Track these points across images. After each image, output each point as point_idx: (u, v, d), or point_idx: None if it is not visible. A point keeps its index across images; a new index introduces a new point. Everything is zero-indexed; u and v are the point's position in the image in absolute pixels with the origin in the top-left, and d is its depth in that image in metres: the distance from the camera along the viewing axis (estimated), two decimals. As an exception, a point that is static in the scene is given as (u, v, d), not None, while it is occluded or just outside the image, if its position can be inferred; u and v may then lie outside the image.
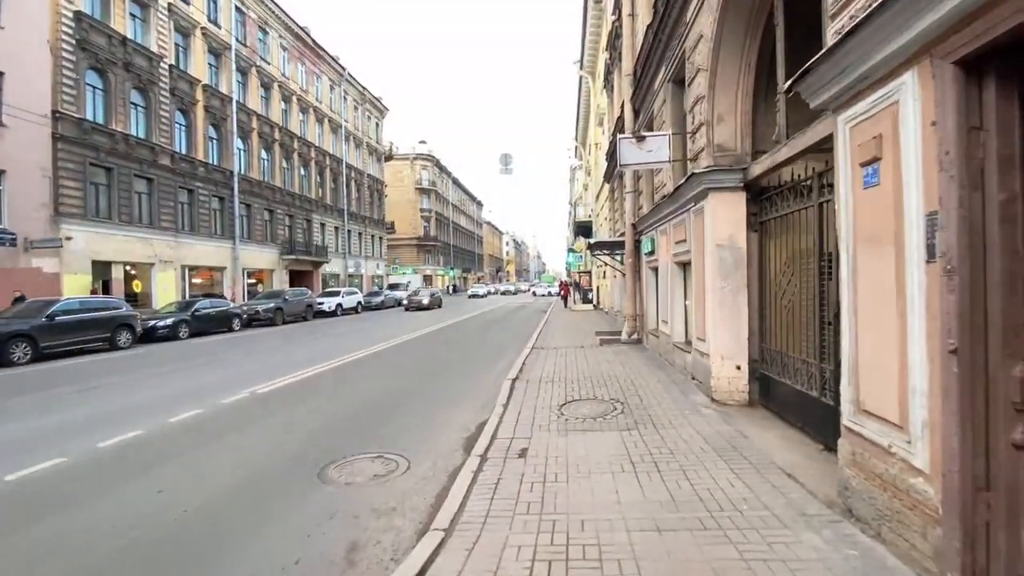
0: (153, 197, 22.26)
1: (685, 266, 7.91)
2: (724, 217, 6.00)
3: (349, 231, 41.58)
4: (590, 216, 27.24)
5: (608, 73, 17.10)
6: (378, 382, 8.57)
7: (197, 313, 17.93)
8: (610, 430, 5.34)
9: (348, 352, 12.02)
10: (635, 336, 11.28)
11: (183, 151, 24.13)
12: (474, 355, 11.54)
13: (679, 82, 7.99)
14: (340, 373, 9.55)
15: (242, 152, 28.71)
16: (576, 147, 37.96)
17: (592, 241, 12.03)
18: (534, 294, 58.83)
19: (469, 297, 50.79)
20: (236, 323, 19.78)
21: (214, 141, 26.48)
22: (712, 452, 4.58)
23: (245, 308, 21.51)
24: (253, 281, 29.70)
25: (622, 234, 12.81)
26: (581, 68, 24.47)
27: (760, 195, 5.87)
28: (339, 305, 28.22)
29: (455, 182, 79.06)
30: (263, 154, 30.65)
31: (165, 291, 22.48)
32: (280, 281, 31.37)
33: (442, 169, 71.29)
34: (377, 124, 48.42)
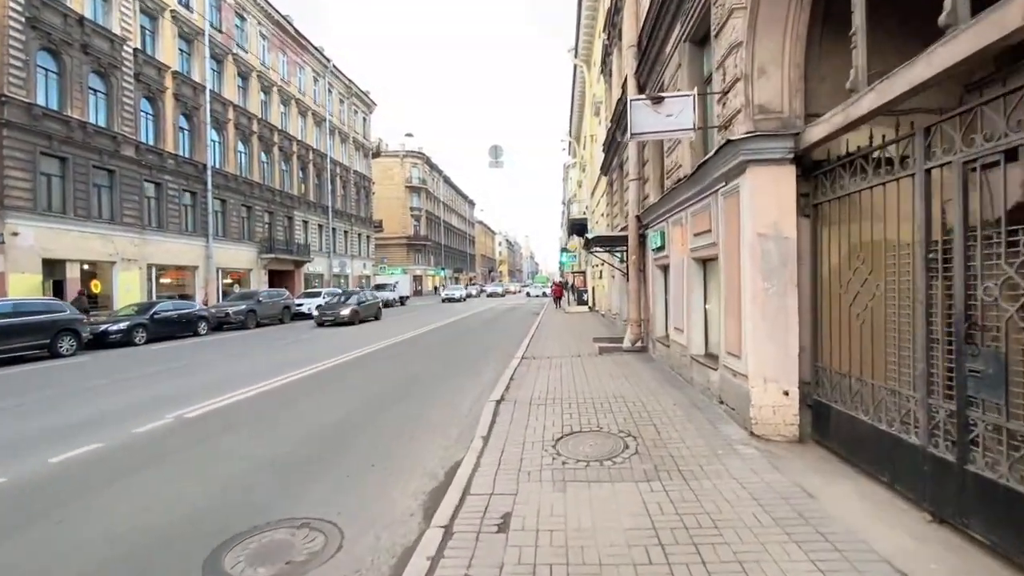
0: (115, 190, 20.61)
1: (706, 263, 6.56)
2: (768, 198, 4.64)
3: (334, 229, 39.98)
4: (585, 213, 25.90)
5: (606, 56, 15.75)
6: (335, 403, 7.13)
7: (157, 316, 16.36)
8: (624, 480, 3.96)
9: (314, 361, 10.57)
10: (639, 344, 9.93)
11: (150, 142, 22.50)
12: (456, 365, 10.12)
13: (698, 41, 6.64)
14: (294, 390, 8.10)
15: (217, 144, 27.08)
16: (570, 143, 36.64)
17: (589, 236, 10.66)
18: (528, 295, 56.67)
19: (443, 301, 41.31)
20: (203, 327, 18.21)
21: (185, 132, 24.84)
22: (773, 525, 3.20)
23: (214, 310, 19.92)
24: (229, 281, 28.09)
25: (623, 229, 11.46)
26: (576, 56, 23.13)
27: (813, 170, 4.52)
28: (320, 307, 26.59)
29: (446, 180, 77.56)
30: (240, 147, 29.03)
31: (128, 292, 20.85)
32: (258, 281, 29.76)
33: (433, 167, 69.75)
34: (364, 119, 46.85)
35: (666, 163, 7.81)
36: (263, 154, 31.21)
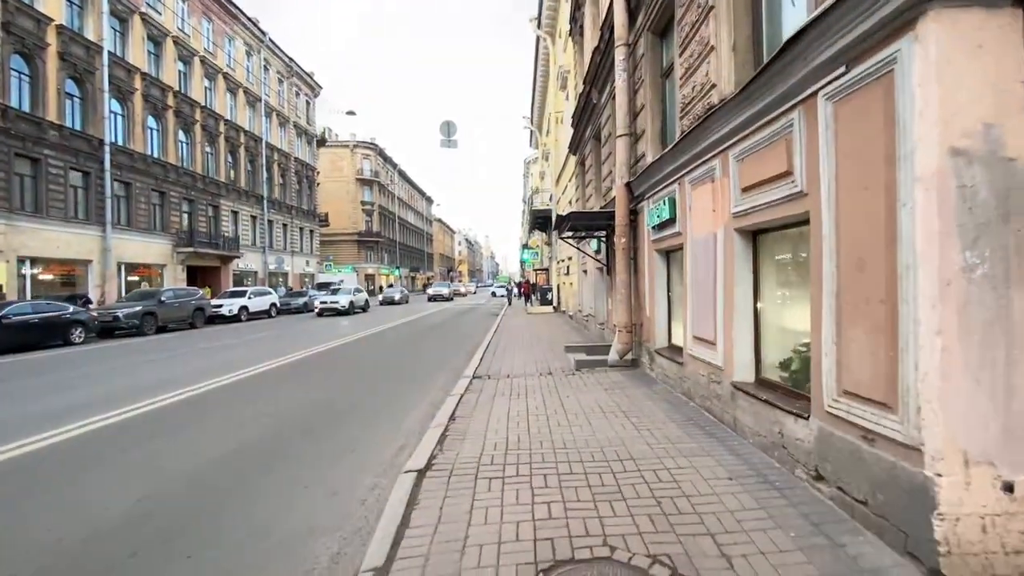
0: (-31, 164, 16.50)
1: (764, 235, 4.11)
2: (970, 78, 2.19)
3: (270, 221, 35.99)
4: (549, 204, 23.50)
5: (576, 11, 13.30)
6: (124, 500, 4.22)
7: (6, 321, 12.66)
8: None
9: (176, 387, 7.51)
10: (629, 357, 7.44)
11: (24, 107, 18.38)
12: (376, 392, 7.32)
13: None
14: (91, 447, 5.11)
15: (119, 118, 22.98)
16: (532, 132, 34.23)
17: (561, 214, 8.09)
18: (494, 294, 52.59)
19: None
20: (77, 334, 14.54)
21: (74, 99, 20.72)
22: None
23: (98, 313, 16.18)
24: (136, 278, 23.98)
25: (605, 206, 8.99)
26: (539, 26, 20.66)
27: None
28: (244, 308, 23.01)
29: (402, 175, 73.78)
30: (151, 123, 24.96)
31: (-11, 290, 16.76)
32: (174, 278, 25.74)
33: (387, 160, 65.95)
34: (308, 102, 42.87)
35: (681, 95, 5.32)
36: (181, 133, 27.15)
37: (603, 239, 9.70)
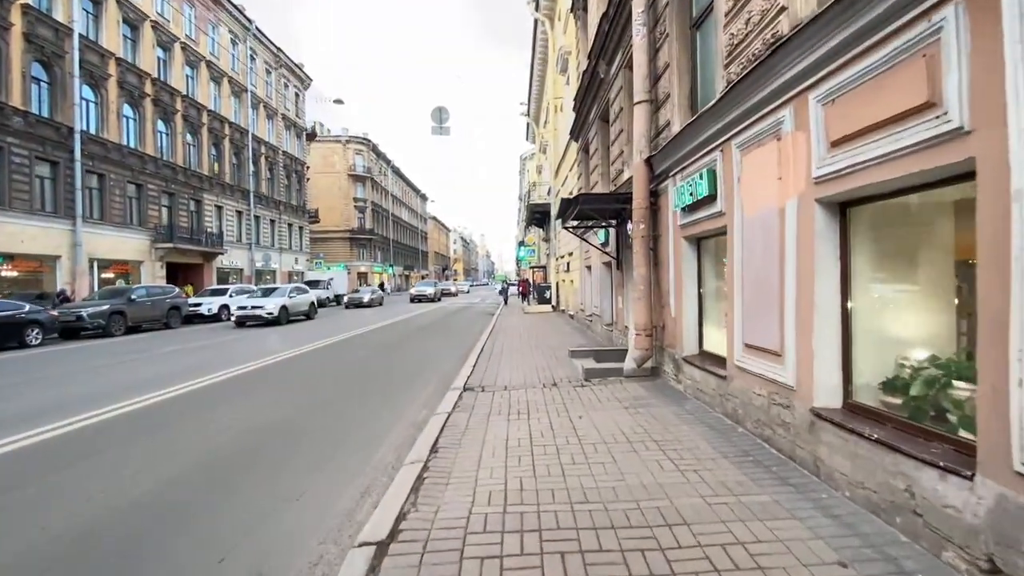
0: (-82, 150, 15.18)
1: (848, 208, 2.98)
2: None
3: (257, 217, 34.66)
4: (547, 198, 22.37)
5: (579, -18, 12.16)
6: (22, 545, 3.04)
7: (-53, 322, 11.41)
8: None
9: (143, 392, 6.32)
10: (648, 365, 6.31)
11: (-20, 90, 17.05)
12: (342, 413, 6.16)
13: None
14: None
15: (91, 105, 21.66)
16: (528, 124, 33.08)
17: (567, 197, 6.93)
18: (501, 291, 49.46)
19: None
20: (34, 335, 13.28)
21: (41, 84, 19.39)
22: None
23: (59, 313, 14.91)
24: (111, 275, 22.67)
25: (618, 188, 7.85)
26: (537, 8, 19.50)
27: None
28: (225, 308, 21.74)
29: (396, 171, 72.44)
30: (128, 111, 23.63)
31: (-58, 288, 15.45)
32: (152, 275, 24.44)
33: (380, 155, 64.63)
34: (297, 95, 41.52)
35: (726, 38, 4.19)
36: (161, 123, 25.82)
37: (613, 227, 8.56)
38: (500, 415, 4.97)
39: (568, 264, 16.67)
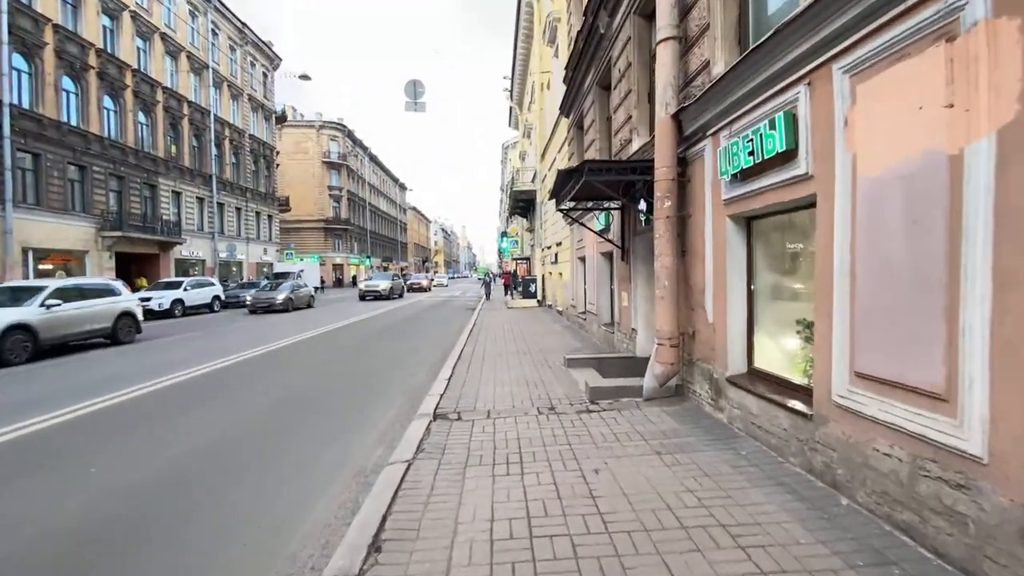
0: None
1: None
2: None
3: (221, 204, 32.40)
4: (532, 185, 20.88)
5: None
6: None
7: None
8: None
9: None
10: (674, 382, 4.90)
11: None
12: (261, 453, 4.62)
13: None
14: None
15: (23, 76, 19.30)
16: (511, 109, 31.43)
17: (566, 168, 5.47)
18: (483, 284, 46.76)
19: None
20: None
21: (-42, 48, 17.03)
22: None
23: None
24: (49, 267, 20.42)
25: (638, 151, 6.35)
26: (523, -24, 17.86)
27: None
28: (178, 302, 19.78)
29: (373, 159, 69.98)
30: (68, 85, 21.24)
31: None
32: (100, 267, 22.24)
33: (356, 142, 62.11)
34: (265, 74, 39.02)
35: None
36: (108, 99, 23.44)
37: (616, 210, 7.12)
38: (482, 465, 3.51)
39: (556, 255, 15.25)
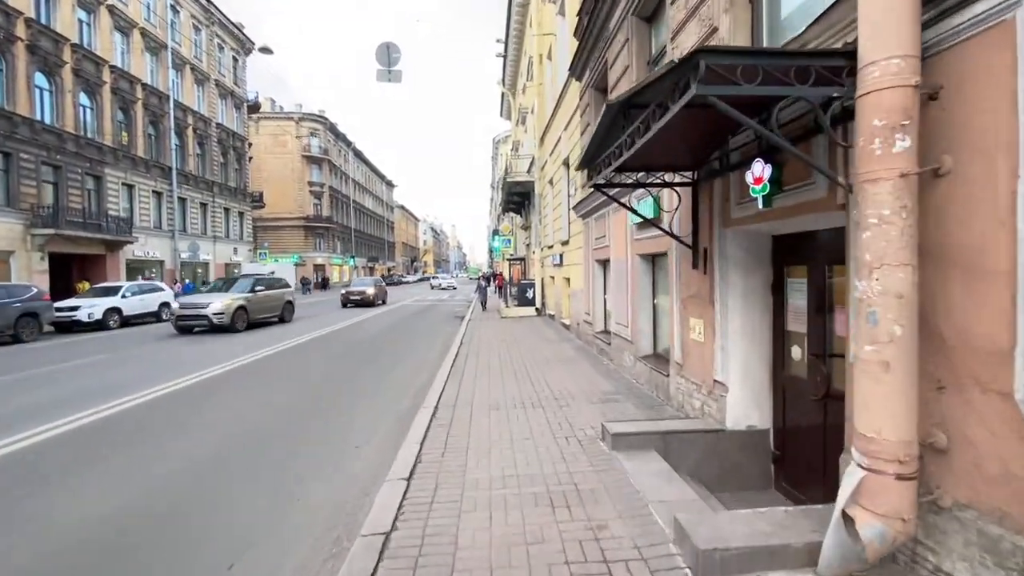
0: None
1: None
2: None
3: (183, 199, 29.35)
4: (529, 176, 18.18)
5: None
6: None
7: None
8: None
9: None
10: (889, 544, 2.23)
11: None
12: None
13: None
14: None
15: (-77, 42, 16.20)
16: (503, 94, 28.69)
17: (626, 94, 3.01)
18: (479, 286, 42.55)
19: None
20: None
21: None
22: None
23: None
24: (-37, 270, 17.34)
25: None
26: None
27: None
28: (114, 312, 16.80)
29: (358, 154, 66.80)
30: (-15, 57, 18.14)
31: None
32: (29, 269, 19.16)
33: (339, 136, 58.99)
34: (236, 59, 35.90)
35: None
36: (41, 77, 20.36)
37: (688, 186, 4.42)
38: None
39: (561, 256, 12.58)
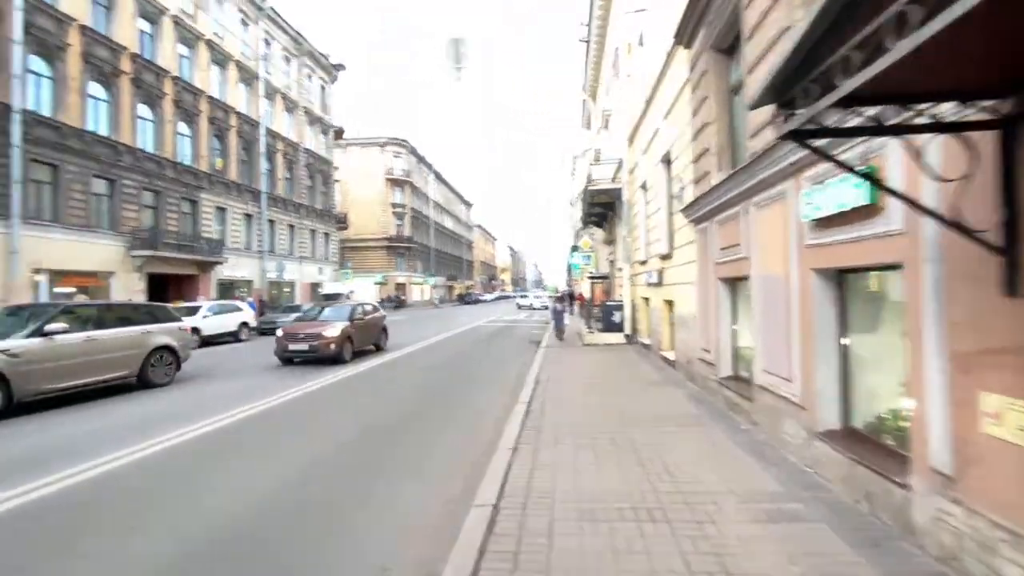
0: None
1: None
2: None
3: (271, 221, 30.32)
4: (615, 183, 16.01)
5: None
6: None
7: None
8: None
9: None
10: None
11: None
12: None
13: None
14: None
15: (41, 80, 17.48)
16: (584, 102, 26.85)
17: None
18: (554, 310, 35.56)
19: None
20: None
21: (-38, 47, 15.23)
22: None
23: None
24: (69, 289, 18.29)
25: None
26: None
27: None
28: (193, 332, 16.73)
29: (438, 177, 68.08)
30: (94, 90, 19.40)
31: None
32: (128, 289, 20.00)
33: (420, 159, 60.31)
34: (323, 87, 37.32)
35: None
36: (145, 107, 21.61)
37: (1001, 125, 2.19)
38: None
39: (659, 273, 10.25)
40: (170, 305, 14.15)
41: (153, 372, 9.34)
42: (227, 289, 26.26)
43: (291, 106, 32.94)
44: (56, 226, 17.60)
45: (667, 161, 9.72)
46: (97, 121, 19.46)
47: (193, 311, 17.78)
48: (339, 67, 26.49)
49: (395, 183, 54.59)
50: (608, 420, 5.96)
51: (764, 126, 4.71)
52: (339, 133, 40.43)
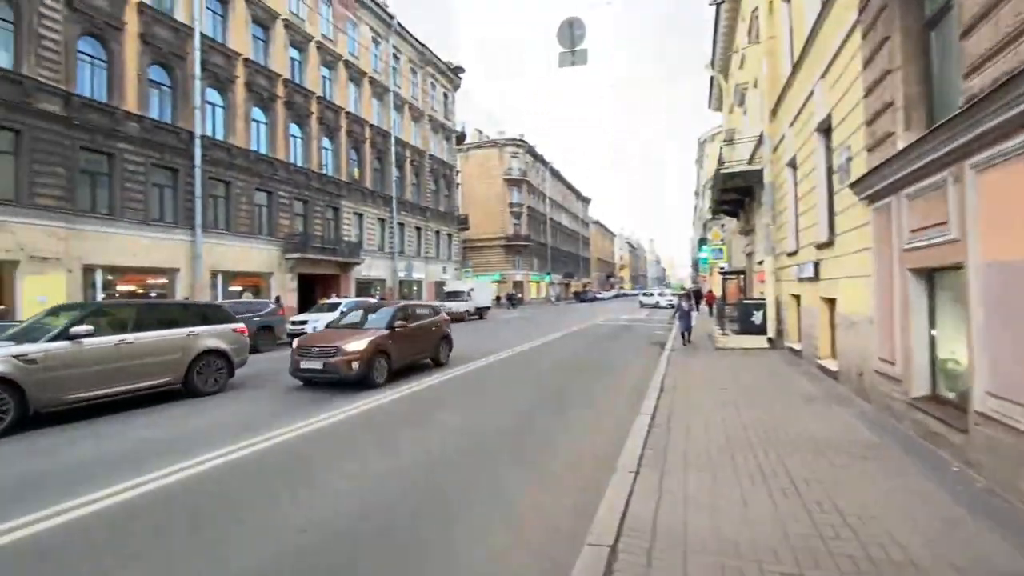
0: (21, 157, 14.20)
1: None
2: None
3: (401, 225, 32.43)
4: (754, 164, 14.09)
5: None
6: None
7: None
8: None
9: None
10: None
11: (91, 94, 16.02)
12: None
13: None
14: None
15: (217, 109, 20.42)
16: (712, 79, 24.45)
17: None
18: (679, 308, 33.78)
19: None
20: None
21: (159, 88, 18.27)
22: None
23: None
24: (238, 288, 21.22)
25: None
26: None
27: None
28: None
29: (554, 173, 67.88)
30: (257, 114, 22.24)
31: (43, 303, 14.21)
32: (283, 288, 22.69)
33: (536, 157, 60.61)
34: (446, 95, 39.04)
35: None
36: (295, 126, 24.31)
37: None
38: None
39: (815, 265, 8.57)
40: (299, 303, 15.50)
41: (199, 379, 8.23)
42: (363, 287, 28.60)
43: (417, 115, 34.91)
44: (228, 234, 20.44)
45: (825, 130, 8.06)
46: (259, 141, 22.29)
47: (333, 307, 19.52)
48: (459, 70, 27.22)
49: (512, 183, 55.48)
50: (754, 443, 4.89)
51: (996, 51, 3.36)
52: (460, 138, 42.03)
